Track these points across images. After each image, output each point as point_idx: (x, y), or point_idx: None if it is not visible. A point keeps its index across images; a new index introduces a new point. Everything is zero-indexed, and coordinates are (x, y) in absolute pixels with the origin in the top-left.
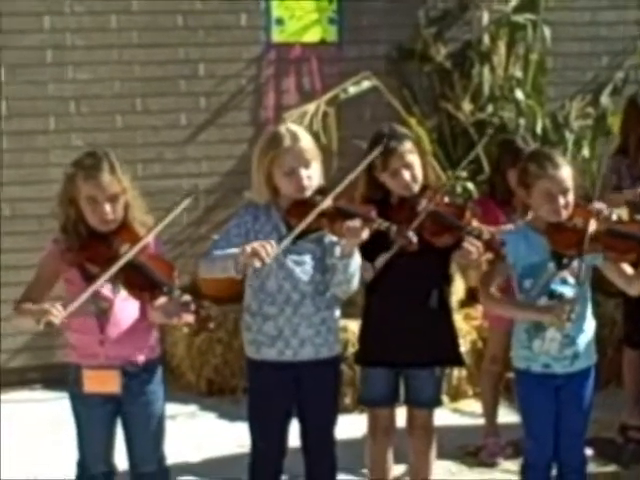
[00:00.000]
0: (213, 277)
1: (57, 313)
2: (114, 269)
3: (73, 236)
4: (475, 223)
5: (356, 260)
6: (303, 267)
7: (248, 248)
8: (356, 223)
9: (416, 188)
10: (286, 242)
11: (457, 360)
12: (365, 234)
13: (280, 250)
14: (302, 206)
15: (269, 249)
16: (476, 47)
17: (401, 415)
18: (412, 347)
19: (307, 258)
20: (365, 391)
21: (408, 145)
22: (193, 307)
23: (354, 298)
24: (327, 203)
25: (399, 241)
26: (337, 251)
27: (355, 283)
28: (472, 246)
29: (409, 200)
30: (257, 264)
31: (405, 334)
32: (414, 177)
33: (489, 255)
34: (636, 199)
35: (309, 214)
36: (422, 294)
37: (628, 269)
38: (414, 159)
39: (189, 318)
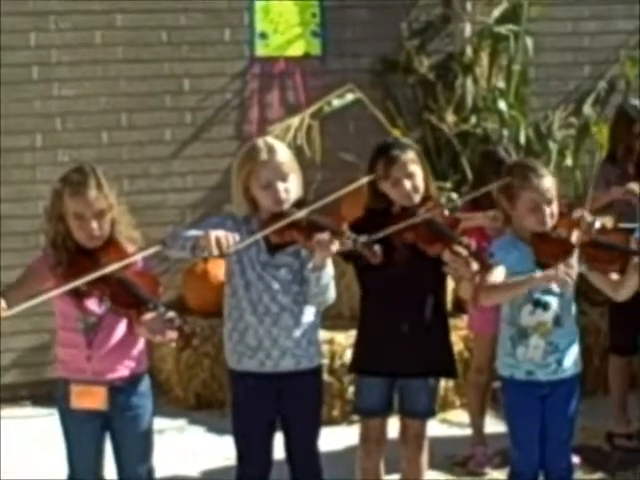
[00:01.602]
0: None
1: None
2: (87, 279)
3: (62, 251)
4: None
5: (328, 273)
6: (281, 279)
7: (212, 234)
8: (325, 236)
9: (417, 198)
10: (248, 242)
11: (451, 371)
12: (334, 247)
13: (241, 247)
14: (279, 219)
15: (231, 241)
16: (459, 59)
17: (393, 425)
18: (406, 357)
19: (284, 271)
20: (359, 401)
21: (411, 155)
22: (177, 324)
23: (341, 310)
24: (300, 215)
25: (364, 253)
26: (310, 264)
27: (330, 295)
28: (454, 256)
29: (409, 210)
30: (215, 252)
31: (399, 344)
32: (415, 187)
33: (476, 266)
34: (623, 197)
35: (285, 226)
36: (417, 304)
37: (614, 275)
38: (416, 169)
39: (172, 335)
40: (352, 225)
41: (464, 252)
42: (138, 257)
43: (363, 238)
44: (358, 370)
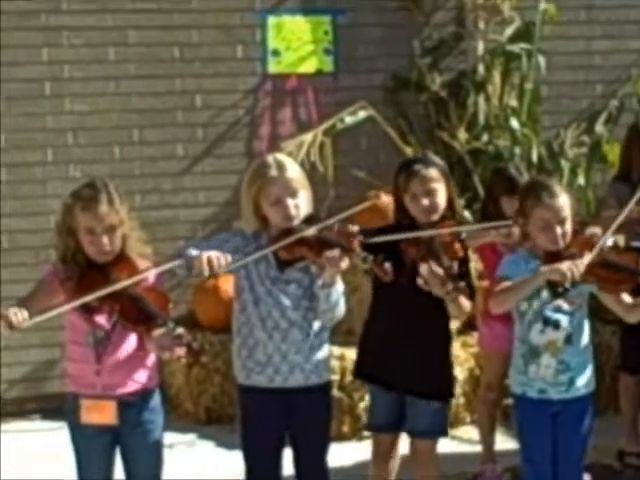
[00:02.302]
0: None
1: (20, 318)
2: (98, 294)
3: (72, 266)
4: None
5: (338, 289)
6: (290, 295)
7: (205, 255)
8: (335, 253)
9: (435, 216)
10: (244, 261)
11: (447, 394)
12: (344, 264)
13: (234, 267)
14: (288, 235)
15: (222, 262)
16: (471, 76)
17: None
18: (408, 375)
19: (294, 286)
20: (370, 416)
21: (432, 172)
22: (185, 340)
23: (353, 326)
24: (309, 232)
25: (375, 271)
26: (319, 281)
27: (339, 312)
28: (431, 273)
29: (422, 227)
30: (205, 273)
31: (402, 361)
32: (434, 204)
33: (450, 287)
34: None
35: (291, 241)
36: (422, 322)
37: (626, 298)
38: (437, 187)
39: (181, 352)
40: (373, 231)
41: (440, 271)
42: (150, 274)
43: (370, 256)
44: (359, 374)
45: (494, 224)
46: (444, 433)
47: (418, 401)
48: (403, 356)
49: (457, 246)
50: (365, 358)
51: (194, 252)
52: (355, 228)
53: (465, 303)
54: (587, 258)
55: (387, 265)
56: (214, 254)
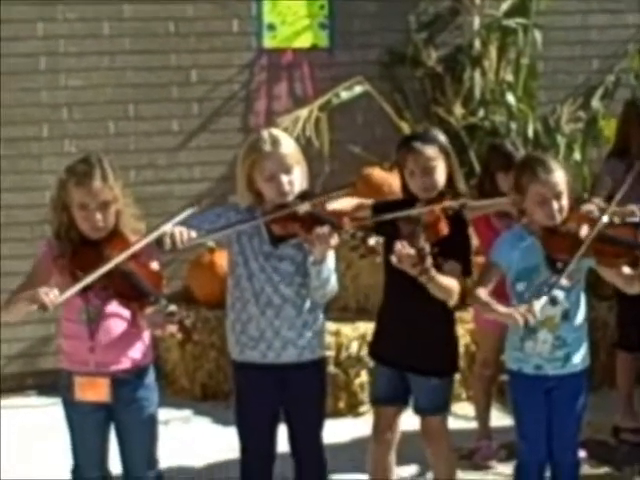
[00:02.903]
0: None
1: (52, 297)
2: (107, 268)
3: (65, 242)
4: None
5: (329, 266)
6: (283, 271)
7: (169, 230)
8: (325, 230)
9: (432, 193)
10: (211, 236)
11: (452, 369)
12: (334, 241)
13: (197, 242)
14: (282, 210)
15: (185, 237)
16: (467, 51)
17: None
18: (408, 352)
19: (287, 262)
20: (373, 389)
21: (430, 150)
22: (177, 318)
23: (348, 302)
24: (302, 208)
25: (360, 249)
26: (310, 257)
27: (330, 289)
28: (397, 251)
29: (420, 204)
30: (167, 247)
31: (406, 338)
32: (431, 182)
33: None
34: None
35: (286, 216)
36: (422, 299)
37: (626, 269)
38: (436, 165)
39: (173, 329)
40: (378, 205)
41: (410, 251)
42: (141, 245)
43: (360, 233)
44: (371, 354)
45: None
46: (445, 409)
47: (418, 378)
48: (404, 333)
49: (442, 225)
50: (379, 337)
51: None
52: (368, 201)
53: (448, 284)
54: (538, 305)
55: (372, 241)
56: (178, 229)
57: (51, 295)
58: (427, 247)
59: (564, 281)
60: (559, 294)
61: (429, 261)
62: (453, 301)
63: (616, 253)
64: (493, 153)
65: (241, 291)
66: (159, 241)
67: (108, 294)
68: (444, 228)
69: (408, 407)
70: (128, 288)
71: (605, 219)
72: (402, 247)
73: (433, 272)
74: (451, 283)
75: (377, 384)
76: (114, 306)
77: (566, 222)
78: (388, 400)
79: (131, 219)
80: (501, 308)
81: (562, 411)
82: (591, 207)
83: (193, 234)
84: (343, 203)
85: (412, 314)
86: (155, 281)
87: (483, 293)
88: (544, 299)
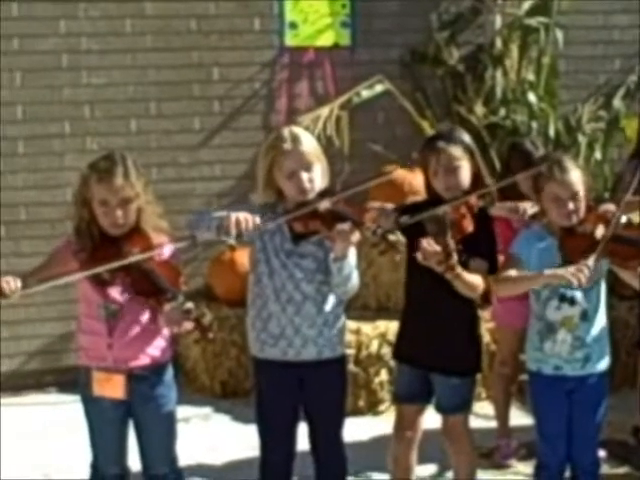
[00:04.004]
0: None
1: (13, 287)
2: (107, 267)
3: (86, 238)
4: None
5: (350, 263)
6: (304, 269)
7: (233, 215)
8: (345, 226)
9: (456, 193)
10: (270, 225)
11: (474, 369)
12: (355, 238)
13: (261, 230)
14: (303, 208)
15: (250, 225)
16: (489, 50)
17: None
18: (430, 351)
19: (309, 260)
20: (395, 387)
21: (455, 150)
22: (194, 315)
23: (368, 301)
24: (324, 205)
25: (381, 245)
26: (332, 254)
27: (352, 286)
28: (423, 248)
29: (445, 203)
30: (233, 232)
31: (430, 338)
32: (455, 182)
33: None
34: None
35: (307, 213)
36: (446, 298)
37: None
38: (460, 165)
39: (189, 326)
40: (399, 210)
41: (436, 248)
42: (162, 250)
43: (381, 230)
44: (395, 356)
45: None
46: (467, 409)
47: (440, 377)
48: (427, 333)
49: (466, 222)
50: (398, 342)
51: (218, 214)
52: (390, 205)
53: (474, 281)
54: (591, 259)
55: (392, 238)
56: (242, 215)
57: (12, 284)
58: (452, 244)
59: (592, 264)
60: (578, 294)
61: (454, 258)
62: (477, 296)
63: (629, 254)
64: (513, 152)
65: (262, 288)
66: (220, 230)
67: (126, 290)
68: (469, 225)
69: (430, 405)
70: (146, 284)
71: (623, 219)
72: (427, 244)
73: (459, 269)
74: (476, 280)
75: (399, 382)
76: (133, 302)
77: (583, 222)
78: (410, 399)
79: (153, 216)
80: (547, 271)
81: (582, 413)
82: (610, 207)
83: (258, 220)
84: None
85: (435, 313)
86: (173, 278)
87: (513, 272)
88: (592, 258)
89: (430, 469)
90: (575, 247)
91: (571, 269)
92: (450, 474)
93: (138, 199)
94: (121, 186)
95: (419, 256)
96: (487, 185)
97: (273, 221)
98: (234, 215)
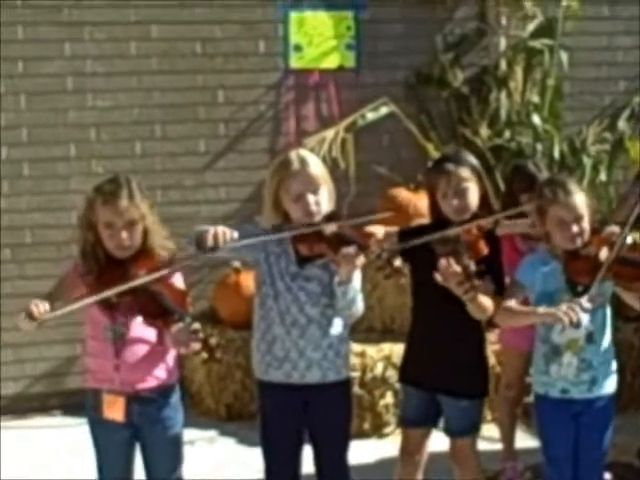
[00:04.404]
0: None
1: (42, 309)
2: (119, 289)
3: (92, 261)
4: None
5: (355, 287)
6: (309, 292)
7: (212, 228)
8: (351, 250)
9: (465, 215)
10: (249, 241)
11: (482, 392)
12: (359, 262)
13: (237, 245)
14: (309, 232)
15: (228, 237)
16: (493, 72)
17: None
18: (437, 373)
19: (314, 283)
20: (402, 411)
21: (463, 171)
22: (201, 336)
23: (373, 323)
24: (330, 228)
25: (386, 269)
26: (336, 277)
27: (357, 309)
28: (444, 268)
29: (454, 226)
30: (210, 243)
31: (437, 360)
32: (464, 204)
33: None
34: None
35: (312, 236)
36: (454, 320)
37: None
38: (468, 186)
39: (196, 347)
40: (404, 232)
41: (457, 269)
42: (166, 273)
43: (386, 254)
44: (401, 379)
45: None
46: (475, 432)
47: (449, 400)
48: (433, 354)
49: (481, 244)
50: (404, 364)
51: (204, 227)
52: (394, 229)
53: (486, 303)
54: (584, 300)
55: (397, 263)
56: (221, 229)
57: (41, 307)
58: (473, 265)
59: (587, 304)
60: (583, 317)
61: (475, 280)
62: (485, 318)
63: (633, 276)
64: (516, 174)
65: (267, 310)
66: (199, 240)
67: (133, 312)
68: (484, 248)
69: (436, 428)
70: (153, 306)
71: (629, 240)
72: (448, 265)
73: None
74: (488, 302)
75: (406, 406)
76: (140, 324)
77: (588, 245)
78: (417, 423)
79: (159, 237)
80: (540, 309)
81: (589, 436)
82: (614, 229)
83: (235, 234)
84: (371, 231)
85: (443, 336)
86: (180, 299)
87: (513, 303)
88: (586, 298)
89: None
90: (579, 270)
91: (563, 307)
92: None
93: (143, 221)
94: (126, 208)
95: (438, 277)
96: (493, 206)
97: (281, 246)
98: (212, 228)
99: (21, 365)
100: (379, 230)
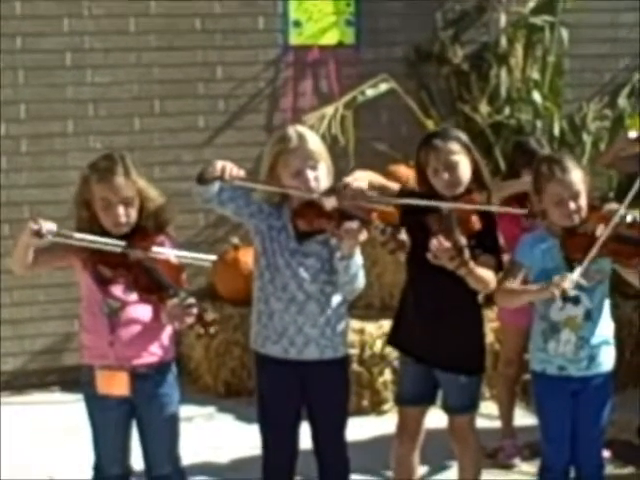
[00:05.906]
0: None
1: (42, 223)
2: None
3: None
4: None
5: (357, 262)
6: (308, 268)
7: (219, 162)
8: (353, 225)
9: (458, 190)
10: (256, 185)
11: (479, 368)
12: (362, 236)
13: (243, 184)
14: (309, 207)
15: (234, 173)
16: (493, 49)
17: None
18: (436, 349)
19: (313, 259)
20: (398, 389)
21: (452, 145)
22: (196, 310)
23: (372, 300)
24: (330, 202)
25: (390, 244)
26: (338, 253)
27: (359, 284)
28: (434, 246)
29: (446, 201)
30: (217, 173)
31: (430, 334)
32: (455, 178)
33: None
34: None
35: (314, 211)
36: (450, 296)
37: None
38: (458, 160)
39: (190, 320)
40: (405, 192)
41: (447, 245)
42: (163, 256)
43: (390, 229)
44: (391, 343)
45: (509, 210)
46: (473, 408)
47: (446, 376)
48: (431, 329)
49: (474, 219)
50: (399, 328)
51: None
52: (395, 186)
53: (486, 276)
54: (577, 273)
55: (402, 236)
56: (229, 163)
57: (41, 222)
58: (463, 240)
59: (583, 281)
60: (581, 294)
61: (467, 254)
62: (489, 291)
63: (630, 253)
64: (518, 151)
65: (265, 285)
66: (203, 172)
67: (128, 287)
68: (476, 223)
69: (433, 406)
70: (148, 282)
71: (629, 219)
72: (438, 242)
73: (471, 264)
74: (488, 274)
75: (403, 384)
76: (135, 300)
77: (586, 222)
78: (414, 401)
79: (155, 214)
80: (534, 287)
81: (587, 414)
82: (614, 206)
83: (242, 172)
84: (369, 177)
85: (440, 311)
86: (175, 275)
87: (512, 283)
88: (577, 272)
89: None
90: (577, 247)
91: (555, 279)
92: (451, 473)
93: (139, 197)
94: (122, 185)
95: (430, 256)
96: (486, 180)
97: (282, 223)
98: (220, 162)
99: (20, 341)
100: (378, 178)
